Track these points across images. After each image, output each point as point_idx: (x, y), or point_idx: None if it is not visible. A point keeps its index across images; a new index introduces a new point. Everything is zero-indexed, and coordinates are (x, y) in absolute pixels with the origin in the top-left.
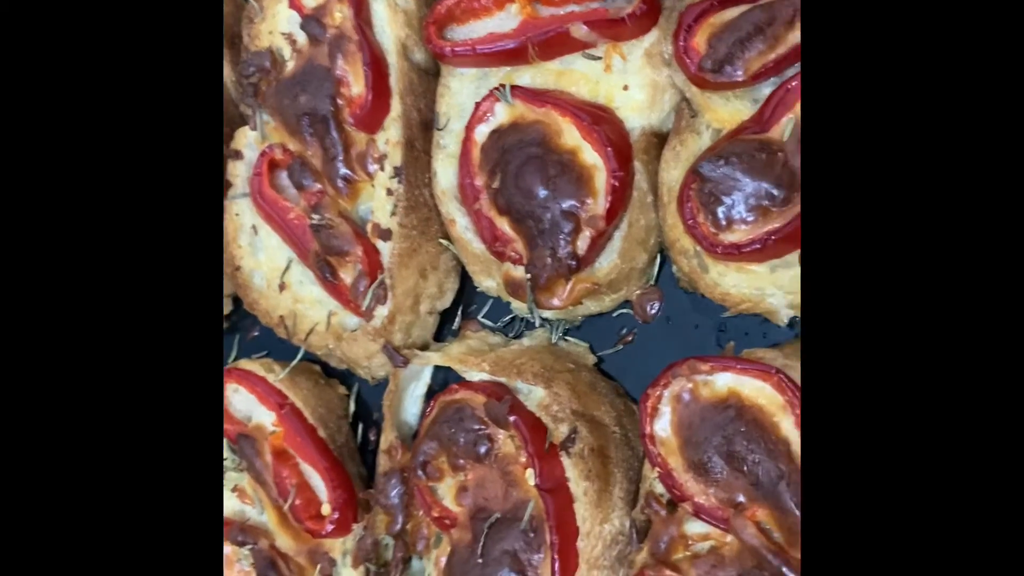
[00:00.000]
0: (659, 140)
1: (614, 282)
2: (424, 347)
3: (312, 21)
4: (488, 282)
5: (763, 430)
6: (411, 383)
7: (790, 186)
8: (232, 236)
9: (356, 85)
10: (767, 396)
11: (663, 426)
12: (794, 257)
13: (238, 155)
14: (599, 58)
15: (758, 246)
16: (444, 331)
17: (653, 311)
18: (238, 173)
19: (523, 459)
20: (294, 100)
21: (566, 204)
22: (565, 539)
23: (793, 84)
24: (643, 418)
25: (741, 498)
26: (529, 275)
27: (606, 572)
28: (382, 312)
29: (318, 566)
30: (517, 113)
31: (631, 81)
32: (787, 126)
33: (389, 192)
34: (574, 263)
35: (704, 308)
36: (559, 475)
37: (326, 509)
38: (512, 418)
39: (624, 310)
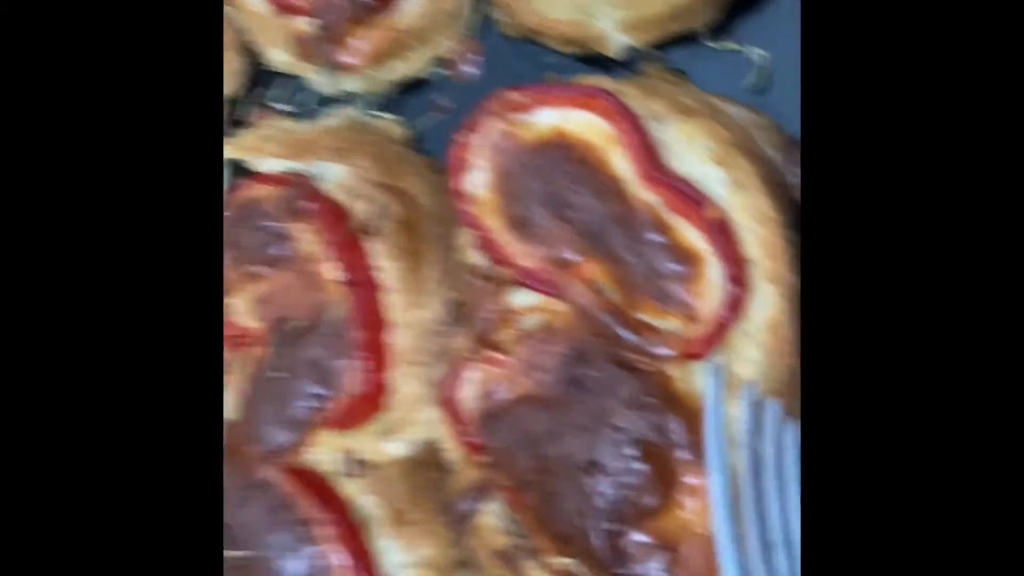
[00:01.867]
0: None
1: (422, 31)
2: None
3: None
4: (279, 55)
5: (591, 169)
6: None
7: None
8: None
9: None
10: (595, 129)
11: (477, 181)
12: None
13: None
14: None
15: None
16: (234, 127)
17: (470, 68)
18: None
19: (323, 255)
20: None
21: None
22: (373, 334)
23: None
24: (453, 172)
25: (569, 254)
26: (320, 24)
27: (424, 368)
28: None
29: None
30: None
31: None
32: None
33: None
34: (371, 2)
35: (530, 58)
36: (363, 265)
37: None
38: (307, 205)
39: (438, 71)
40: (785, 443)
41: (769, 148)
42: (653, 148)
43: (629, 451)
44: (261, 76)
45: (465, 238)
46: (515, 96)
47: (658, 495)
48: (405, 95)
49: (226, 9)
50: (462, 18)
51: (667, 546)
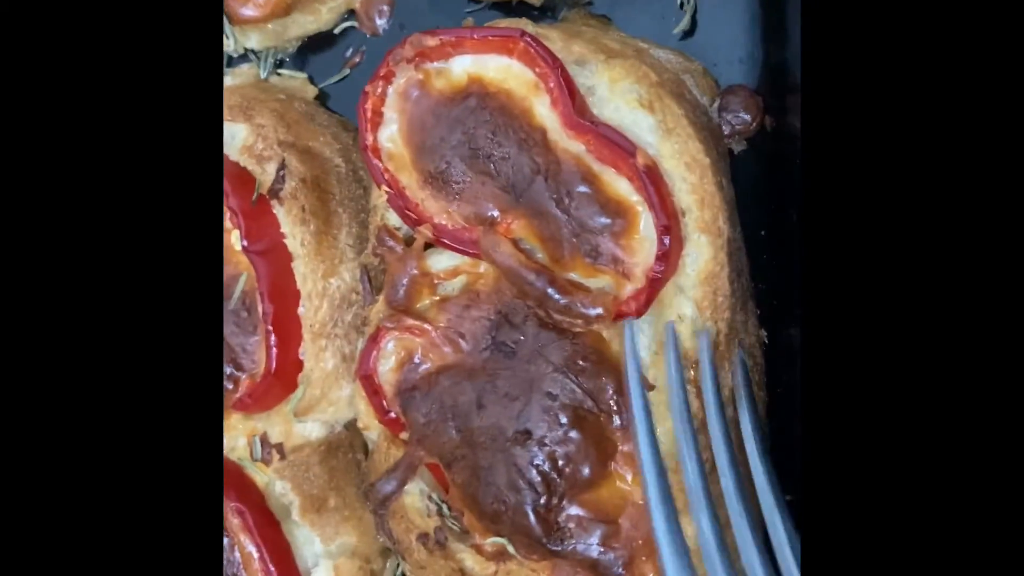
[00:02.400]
0: None
1: None
2: None
3: None
4: None
5: (512, 118)
6: None
7: None
8: None
9: None
10: (515, 76)
11: (389, 135)
12: None
13: None
14: None
15: None
16: None
17: (382, 19)
18: None
19: (227, 224)
20: None
21: None
22: (282, 307)
23: None
24: (362, 126)
25: (491, 210)
26: None
27: (338, 341)
28: None
29: None
30: None
31: None
32: None
33: None
34: None
35: (446, 7)
36: (271, 233)
37: None
38: None
39: (349, 24)
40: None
41: (697, 92)
42: (577, 94)
43: (562, 418)
44: None
45: (379, 198)
46: (428, 41)
47: (594, 465)
48: (312, 51)
49: None
50: None
51: (605, 519)
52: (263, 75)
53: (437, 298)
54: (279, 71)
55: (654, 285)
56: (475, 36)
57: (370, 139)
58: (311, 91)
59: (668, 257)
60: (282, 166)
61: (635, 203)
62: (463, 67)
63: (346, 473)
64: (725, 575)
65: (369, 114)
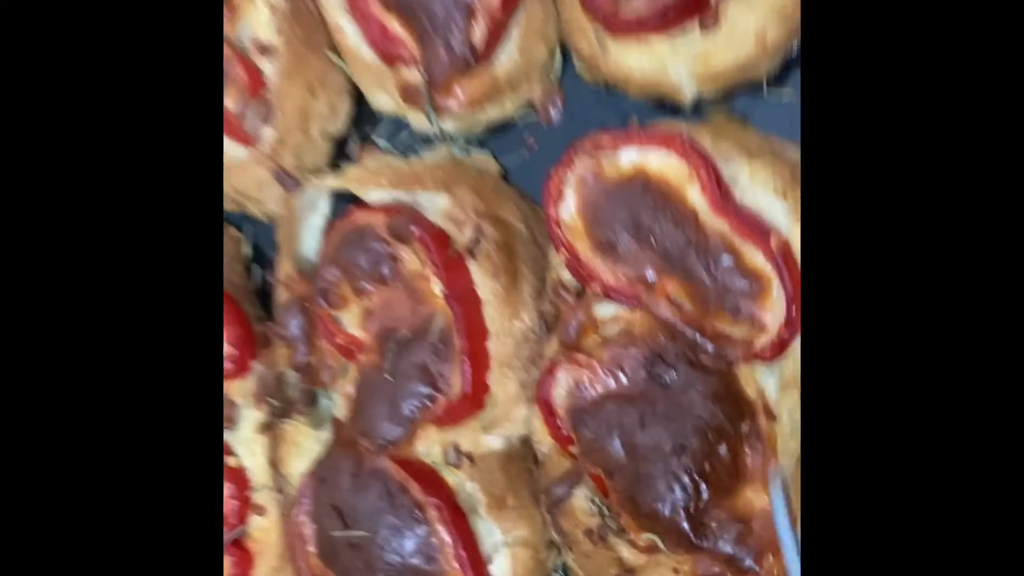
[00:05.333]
0: None
1: (514, 80)
2: (319, 174)
3: None
4: (383, 98)
5: (669, 201)
6: (306, 214)
7: None
8: None
9: None
10: (673, 167)
11: (568, 209)
12: (693, 25)
13: None
14: None
15: (657, 15)
16: (340, 159)
17: (556, 111)
18: None
19: (428, 273)
20: None
21: None
22: (474, 342)
23: None
24: (547, 202)
25: (650, 273)
26: (424, 74)
27: (519, 371)
28: (269, 134)
29: None
30: None
31: None
32: None
33: (272, 8)
34: (471, 57)
35: (609, 105)
36: (465, 282)
37: (225, 349)
38: (414, 230)
39: (527, 116)
40: None
41: None
42: (723, 183)
43: (710, 437)
44: (366, 116)
45: (556, 258)
46: (604, 138)
47: (733, 475)
48: (496, 134)
49: (332, 57)
50: (549, 68)
51: (740, 520)
52: (456, 153)
53: (600, 338)
54: (469, 149)
55: (783, 341)
56: (641, 135)
57: (553, 213)
58: (495, 167)
59: (794, 323)
60: (478, 230)
61: (769, 273)
62: (630, 159)
63: (520, 478)
64: None
65: (553, 192)
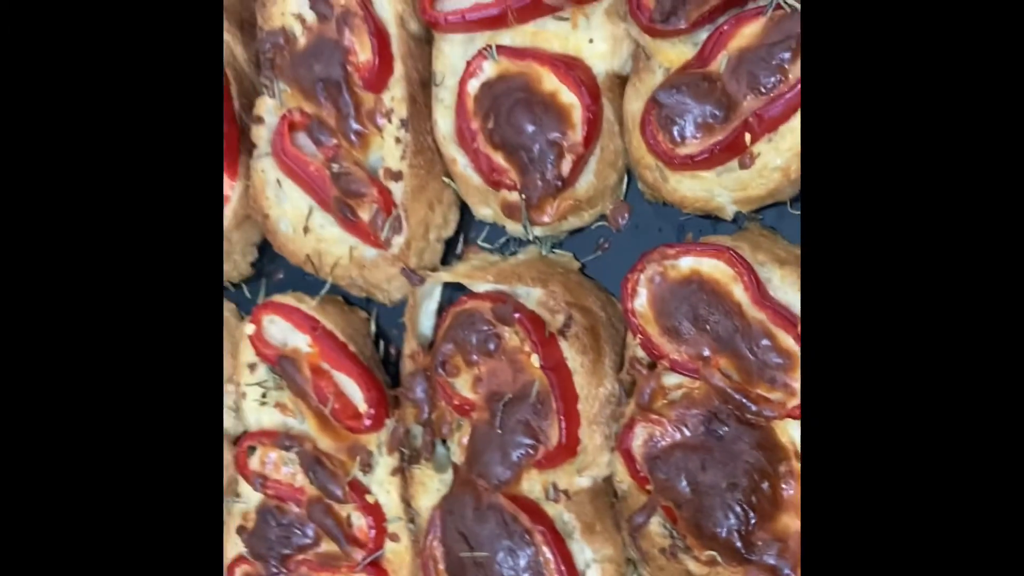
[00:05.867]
0: (620, 80)
1: (591, 199)
2: (434, 270)
3: (320, 2)
4: (485, 210)
5: (720, 297)
6: (424, 300)
7: (727, 107)
8: (259, 190)
9: (363, 53)
10: (722, 271)
11: (641, 302)
12: (734, 163)
13: (260, 120)
14: (567, 19)
15: (707, 155)
16: (449, 256)
17: (624, 221)
18: (261, 136)
19: (527, 348)
20: (309, 69)
21: (551, 135)
22: (568, 404)
23: (725, 28)
24: (625, 297)
25: (707, 352)
26: (523, 197)
27: (602, 426)
28: (399, 240)
29: (357, 458)
30: (502, 67)
31: (595, 35)
32: (722, 61)
33: (398, 140)
34: (560, 183)
35: (665, 215)
36: (558, 356)
37: (363, 408)
38: (516, 315)
39: (600, 223)
40: None
41: None
42: (761, 284)
43: (755, 476)
44: (471, 223)
45: (632, 339)
46: (668, 250)
47: (773, 505)
48: (574, 236)
49: (447, 181)
50: (618, 189)
51: (780, 540)
52: (544, 253)
53: (667, 401)
54: (554, 250)
55: None
56: (697, 248)
57: (629, 305)
58: (576, 264)
59: None
60: (569, 318)
61: (797, 352)
62: (688, 264)
63: (605, 509)
64: None
65: (630, 290)
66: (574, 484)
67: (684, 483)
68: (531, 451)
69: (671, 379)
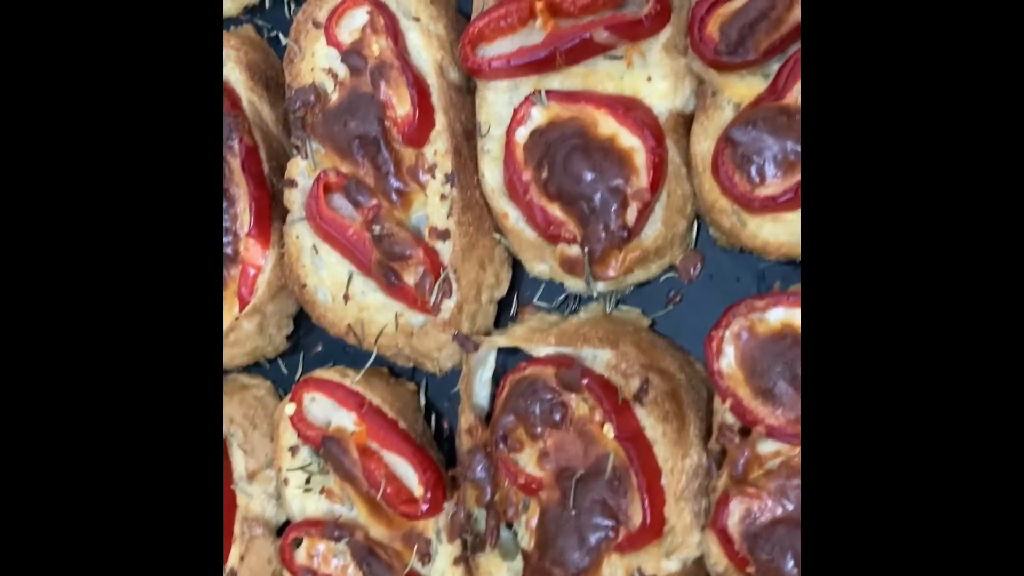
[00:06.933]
0: (684, 120)
1: (659, 248)
2: (487, 334)
3: (352, 54)
4: (541, 266)
5: None
6: (478, 368)
7: None
8: (295, 257)
9: (401, 106)
10: None
11: (728, 362)
12: None
13: (292, 183)
14: (620, 57)
15: (790, 195)
16: (502, 318)
17: (696, 271)
18: (294, 199)
19: (597, 418)
20: (343, 127)
21: (613, 183)
22: (650, 479)
23: (799, 56)
24: (709, 358)
25: None
26: (585, 250)
27: (691, 502)
28: (449, 304)
29: (415, 547)
30: (552, 113)
31: (653, 73)
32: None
33: (443, 197)
34: (625, 234)
35: (742, 262)
36: (635, 425)
37: (419, 491)
38: (584, 380)
39: (668, 274)
40: None
41: None
42: None
43: None
44: (524, 281)
45: (719, 403)
46: (757, 302)
47: None
48: (639, 288)
49: (496, 236)
50: (688, 237)
51: None
52: (608, 310)
53: (763, 471)
54: (619, 307)
55: None
56: (789, 298)
57: (716, 366)
58: (645, 321)
59: None
60: (646, 381)
61: None
62: (777, 316)
63: None
64: None
65: (715, 349)
66: (662, 568)
67: (791, 563)
68: (611, 533)
69: (767, 446)
